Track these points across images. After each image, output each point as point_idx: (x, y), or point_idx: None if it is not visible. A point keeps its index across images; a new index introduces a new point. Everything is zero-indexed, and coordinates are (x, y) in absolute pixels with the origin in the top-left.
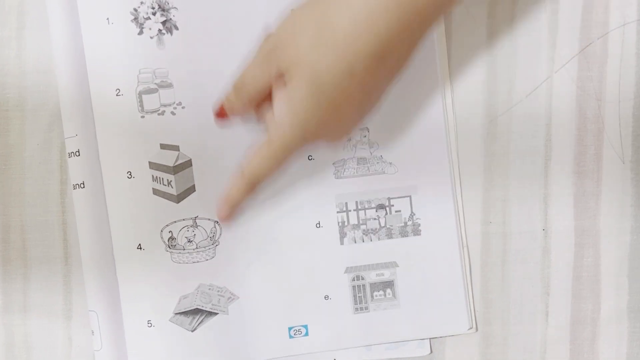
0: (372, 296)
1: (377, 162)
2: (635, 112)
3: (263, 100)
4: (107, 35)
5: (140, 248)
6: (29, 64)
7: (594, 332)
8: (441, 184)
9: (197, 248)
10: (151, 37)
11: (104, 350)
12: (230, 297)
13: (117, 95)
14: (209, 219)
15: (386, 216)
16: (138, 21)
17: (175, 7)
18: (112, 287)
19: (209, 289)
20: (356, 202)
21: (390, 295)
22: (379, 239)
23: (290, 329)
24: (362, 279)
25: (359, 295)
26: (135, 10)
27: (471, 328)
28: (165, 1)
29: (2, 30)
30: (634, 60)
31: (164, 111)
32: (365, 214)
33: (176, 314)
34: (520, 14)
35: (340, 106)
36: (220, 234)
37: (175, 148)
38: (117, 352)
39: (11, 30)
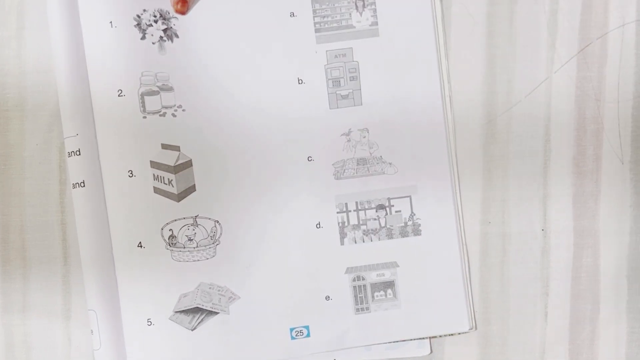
0: (372, 296)
1: (377, 163)
2: (634, 112)
3: None
4: (110, 38)
5: (141, 246)
6: (29, 64)
7: (593, 332)
8: (441, 184)
9: (197, 246)
10: (153, 43)
11: (103, 350)
12: (231, 297)
13: (119, 95)
14: (209, 219)
15: (386, 216)
16: (141, 27)
17: (175, 17)
18: (111, 286)
19: (210, 288)
20: (356, 202)
21: (391, 296)
22: (379, 239)
23: (292, 330)
24: (363, 279)
25: (360, 295)
26: (139, 16)
27: (471, 328)
28: (167, 11)
29: (2, 30)
30: (633, 60)
31: (165, 113)
32: (365, 215)
33: (176, 312)
34: (519, 14)
35: None
36: (221, 234)
37: (176, 148)
38: (116, 351)
39: (11, 30)
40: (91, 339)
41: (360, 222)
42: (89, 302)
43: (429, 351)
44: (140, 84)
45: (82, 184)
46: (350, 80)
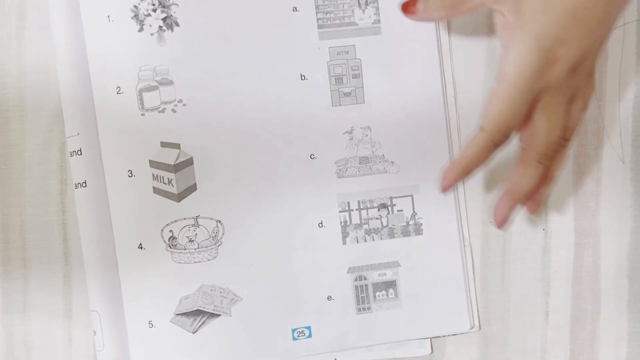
0: (374, 296)
1: (379, 162)
2: (635, 112)
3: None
4: (108, 33)
5: (141, 248)
6: (29, 64)
7: (593, 332)
8: None
9: (198, 248)
10: (151, 34)
11: (106, 351)
12: (233, 299)
13: (117, 93)
14: (210, 218)
15: (388, 216)
16: (138, 18)
17: (176, 4)
18: (114, 287)
19: (211, 289)
20: (358, 201)
21: (393, 295)
22: (381, 239)
23: (293, 330)
24: (365, 279)
25: (362, 295)
26: (136, 7)
27: (473, 327)
28: None
29: (2, 30)
30: (634, 60)
31: (165, 109)
32: (367, 214)
33: (177, 314)
34: None
35: (577, 12)
36: (223, 234)
37: (176, 146)
38: (119, 353)
39: (11, 30)
40: (93, 339)
41: (362, 222)
42: (92, 302)
43: (430, 351)
44: (138, 79)
45: (84, 184)
46: (352, 78)
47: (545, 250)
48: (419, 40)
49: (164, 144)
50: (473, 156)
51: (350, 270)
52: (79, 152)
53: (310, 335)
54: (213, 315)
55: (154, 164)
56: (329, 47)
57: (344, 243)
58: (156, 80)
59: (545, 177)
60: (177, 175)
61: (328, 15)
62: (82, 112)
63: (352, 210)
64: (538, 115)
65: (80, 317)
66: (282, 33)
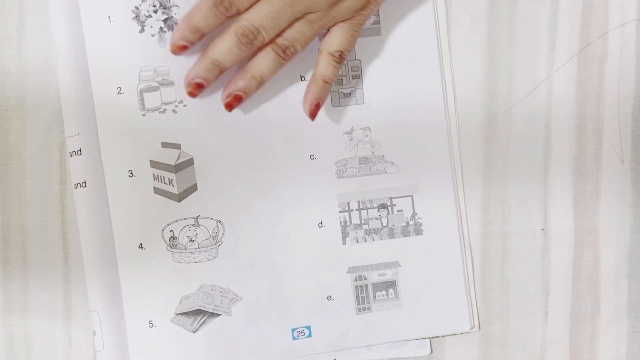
0: (374, 296)
1: (379, 162)
2: (634, 111)
3: None
4: (109, 34)
5: (142, 247)
6: (29, 64)
7: (593, 331)
8: (442, 183)
9: (199, 248)
10: (152, 35)
11: (106, 351)
12: (233, 298)
13: (118, 93)
14: (211, 218)
15: (388, 216)
16: (139, 19)
17: (176, 5)
18: (114, 287)
19: (212, 289)
20: (358, 201)
21: (393, 295)
22: (381, 239)
23: (293, 330)
24: (365, 279)
25: (362, 295)
26: (137, 8)
27: (473, 327)
28: None
29: (2, 30)
30: (634, 60)
31: (165, 109)
32: (367, 214)
33: (177, 314)
34: (520, 14)
35: None
36: (223, 234)
37: (177, 146)
38: (119, 353)
39: (11, 30)
40: (92, 339)
41: (362, 222)
42: (92, 303)
43: (429, 351)
44: (139, 80)
45: (84, 184)
46: (352, 79)
47: (545, 250)
48: (419, 40)
49: (164, 144)
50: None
51: (350, 270)
52: (79, 152)
53: (310, 335)
54: (213, 314)
55: (154, 164)
56: None
57: (344, 243)
58: (157, 81)
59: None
60: (177, 176)
61: None
62: (82, 112)
63: (352, 210)
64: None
65: (80, 317)
66: None
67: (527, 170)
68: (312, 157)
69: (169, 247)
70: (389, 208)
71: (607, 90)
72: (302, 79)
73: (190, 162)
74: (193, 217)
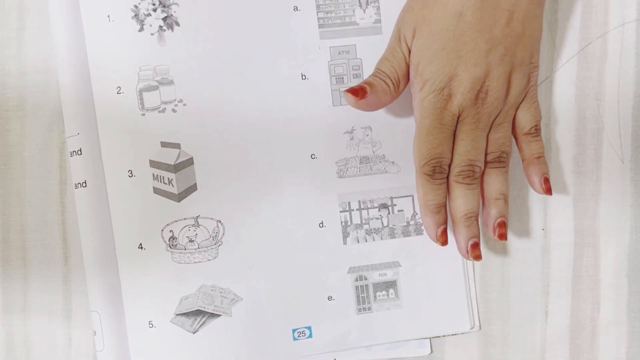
0: (375, 296)
1: (380, 162)
2: (634, 111)
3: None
4: (108, 33)
5: (142, 248)
6: (29, 64)
7: (593, 331)
8: None
9: (198, 248)
10: (152, 34)
11: (107, 351)
12: (233, 299)
13: (117, 93)
14: (211, 218)
15: (389, 216)
16: (138, 18)
17: (176, 3)
18: (115, 287)
19: (212, 290)
20: (359, 201)
21: (393, 295)
22: (381, 239)
23: (294, 330)
24: (365, 279)
25: (362, 295)
26: (136, 7)
27: (473, 327)
28: None
29: (2, 30)
30: (633, 59)
31: (165, 109)
32: (368, 214)
33: (177, 315)
34: None
35: (460, 51)
36: (223, 234)
37: (177, 146)
38: (119, 353)
39: (11, 30)
40: (93, 339)
41: (363, 222)
42: (92, 303)
43: (429, 351)
44: (139, 79)
45: (84, 184)
46: (353, 78)
47: (545, 250)
48: None
49: (164, 144)
50: (424, 196)
51: (351, 270)
52: (79, 152)
53: (310, 336)
54: (213, 315)
55: (154, 163)
56: (330, 47)
57: (345, 243)
58: (156, 80)
59: (486, 199)
60: (177, 175)
61: (329, 15)
62: (82, 112)
63: (353, 210)
64: (455, 141)
65: (80, 317)
66: (282, 32)
67: None
68: (312, 156)
69: (169, 247)
70: (390, 208)
71: (607, 90)
72: (304, 77)
73: (190, 162)
74: (193, 217)
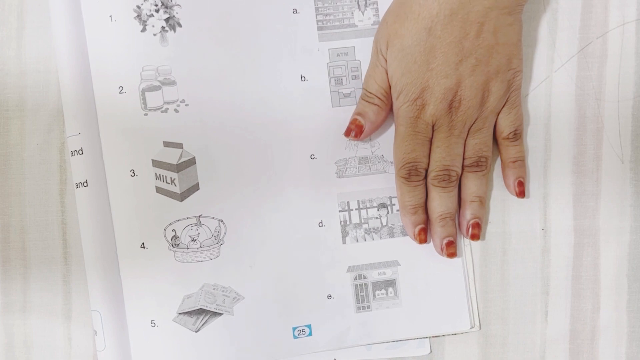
0: (374, 295)
1: (379, 162)
2: (634, 111)
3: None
4: (110, 33)
5: (144, 247)
6: (29, 64)
7: (593, 331)
8: None
9: (201, 247)
10: (154, 35)
11: (108, 351)
12: (235, 297)
13: (120, 92)
14: (213, 218)
15: (388, 215)
16: (141, 18)
17: (178, 4)
18: (116, 286)
19: (214, 288)
20: (358, 201)
21: (392, 294)
22: (380, 238)
23: (294, 329)
24: (364, 277)
25: (361, 294)
26: (139, 7)
27: (473, 327)
28: None
29: (2, 30)
30: (633, 59)
31: (167, 109)
32: (367, 213)
33: (180, 314)
34: None
35: (430, 63)
36: (225, 233)
37: (179, 146)
38: (121, 352)
39: (11, 30)
40: (93, 339)
41: (362, 221)
42: (93, 302)
43: (429, 351)
44: (141, 79)
45: (85, 184)
46: (352, 79)
47: (545, 249)
48: None
49: (166, 144)
50: (401, 197)
51: (350, 269)
52: (81, 152)
53: (310, 334)
54: (215, 314)
55: (156, 163)
56: (329, 49)
57: (344, 242)
58: (159, 80)
59: (462, 201)
60: (179, 175)
61: (328, 17)
62: (83, 112)
63: (352, 209)
64: (431, 147)
65: (80, 317)
66: (282, 35)
67: (527, 169)
68: (312, 156)
69: (171, 247)
70: (389, 207)
71: (607, 90)
72: (303, 79)
73: (192, 162)
74: (195, 217)
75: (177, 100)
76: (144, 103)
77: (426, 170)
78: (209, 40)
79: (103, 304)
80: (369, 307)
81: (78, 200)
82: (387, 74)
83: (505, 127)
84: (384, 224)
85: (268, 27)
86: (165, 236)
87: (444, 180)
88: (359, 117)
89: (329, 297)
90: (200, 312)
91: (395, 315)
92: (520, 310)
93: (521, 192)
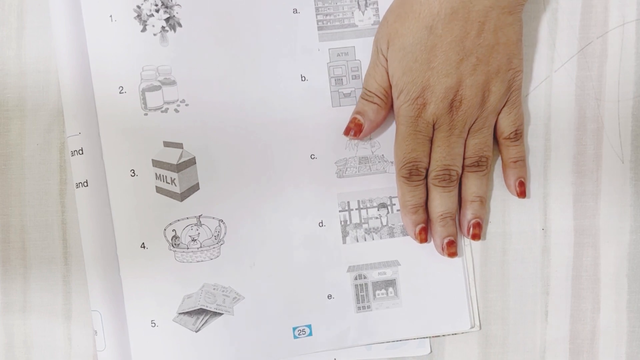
0: (374, 295)
1: (379, 162)
2: (634, 111)
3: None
4: (110, 33)
5: (144, 247)
6: (29, 64)
7: (593, 331)
8: None
9: (201, 247)
10: (154, 34)
11: (108, 351)
12: (235, 297)
13: (120, 92)
14: (213, 218)
15: (388, 215)
16: (141, 18)
17: (178, 4)
18: (116, 286)
19: (214, 288)
20: (358, 201)
21: (392, 294)
22: (380, 238)
23: (294, 329)
24: (365, 277)
25: (362, 294)
26: (139, 7)
27: (473, 327)
28: None
29: (2, 30)
30: (633, 59)
31: (167, 109)
32: (367, 213)
33: (180, 314)
34: None
35: (431, 62)
36: (225, 233)
37: (179, 146)
38: (121, 352)
39: (11, 30)
40: (93, 339)
41: (362, 221)
42: (93, 302)
43: (429, 350)
44: (141, 79)
45: (85, 184)
46: (352, 79)
47: (545, 249)
48: None
49: (166, 144)
50: (402, 196)
51: (350, 269)
52: (81, 152)
53: (310, 334)
54: (215, 314)
55: (156, 163)
56: (329, 49)
57: (344, 242)
58: (159, 80)
59: (462, 201)
60: (179, 175)
61: (328, 17)
62: (83, 112)
63: (352, 209)
64: (432, 147)
65: (80, 317)
66: (282, 35)
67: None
68: (312, 156)
69: (171, 247)
70: (389, 207)
71: (607, 90)
72: (303, 79)
73: (192, 162)
74: (195, 217)
75: (177, 100)
76: (144, 103)
77: (427, 170)
78: (209, 40)
79: (103, 304)
80: (369, 307)
81: (78, 200)
82: (387, 73)
83: (506, 127)
84: (384, 223)
85: (268, 27)
86: (165, 236)
87: (444, 180)
88: (358, 116)
89: (329, 297)
90: (201, 312)
91: (396, 315)
92: (520, 310)
93: (522, 192)
